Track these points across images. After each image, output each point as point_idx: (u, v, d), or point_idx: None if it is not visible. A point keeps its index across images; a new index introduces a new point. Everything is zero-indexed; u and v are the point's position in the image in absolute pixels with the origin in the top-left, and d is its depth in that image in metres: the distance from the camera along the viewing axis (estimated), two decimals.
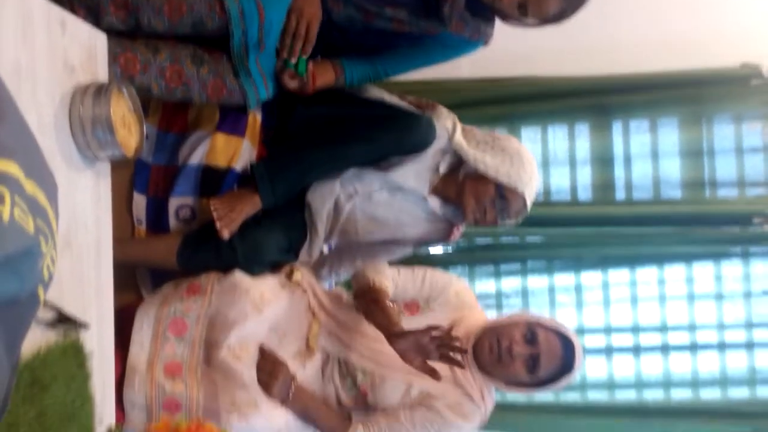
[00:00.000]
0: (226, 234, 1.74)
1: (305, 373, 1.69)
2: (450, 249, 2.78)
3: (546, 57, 2.67)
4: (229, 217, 1.74)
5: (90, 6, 1.55)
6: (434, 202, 1.95)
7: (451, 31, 1.82)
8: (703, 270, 2.68)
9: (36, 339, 0.99)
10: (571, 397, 2.67)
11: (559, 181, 2.74)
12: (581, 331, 2.71)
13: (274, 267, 1.88)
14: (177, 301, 1.68)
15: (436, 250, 2.76)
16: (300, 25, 1.69)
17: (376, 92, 1.97)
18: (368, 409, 1.74)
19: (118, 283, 1.25)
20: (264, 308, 1.67)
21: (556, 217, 2.68)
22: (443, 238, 2.08)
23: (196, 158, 1.85)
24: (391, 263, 1.93)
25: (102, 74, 1.20)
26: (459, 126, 1.91)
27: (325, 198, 1.92)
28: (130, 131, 1.19)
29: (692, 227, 2.60)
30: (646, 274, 2.71)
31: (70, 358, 1.05)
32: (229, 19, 1.65)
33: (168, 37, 1.67)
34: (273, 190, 1.79)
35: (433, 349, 1.53)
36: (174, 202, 1.88)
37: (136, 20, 1.60)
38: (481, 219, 1.91)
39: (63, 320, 1.04)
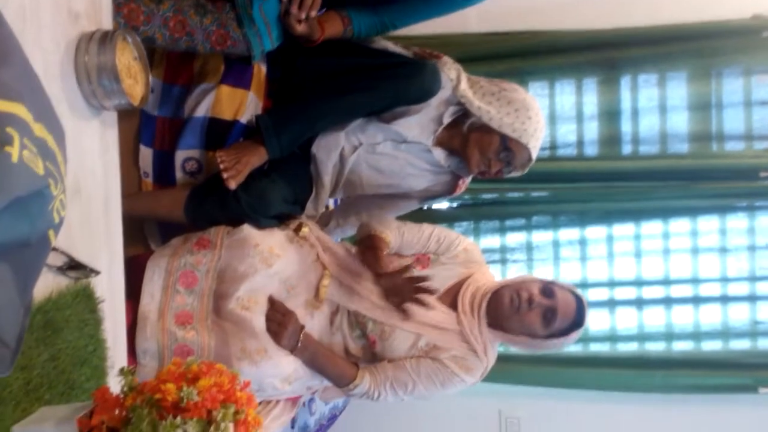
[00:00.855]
0: (232, 185, 1.74)
1: (313, 323, 1.71)
2: (455, 204, 2.78)
3: (554, 11, 2.64)
4: (236, 169, 1.75)
5: None
6: (439, 154, 1.94)
7: None
8: (708, 224, 2.69)
9: (48, 284, 1.01)
10: (574, 349, 2.71)
11: (566, 137, 2.73)
12: (585, 285, 2.74)
13: (281, 220, 1.90)
14: (187, 254, 1.69)
15: (442, 205, 2.76)
16: None
17: (381, 42, 1.95)
18: (375, 359, 1.77)
19: (126, 235, 1.26)
20: (273, 262, 1.69)
21: (561, 172, 2.68)
22: (448, 190, 2.08)
23: (202, 110, 1.84)
24: (399, 219, 1.95)
25: (106, 23, 1.20)
26: (464, 76, 1.89)
27: (330, 150, 1.92)
28: (135, 80, 1.19)
29: (698, 182, 2.60)
30: (651, 227, 2.72)
31: (82, 303, 1.07)
32: None
33: None
34: (278, 141, 1.79)
35: (408, 290, 1.67)
36: (180, 155, 1.88)
37: None
38: (486, 171, 1.91)
39: (74, 266, 1.06)
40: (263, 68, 1.91)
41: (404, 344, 1.73)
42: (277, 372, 1.63)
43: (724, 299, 2.70)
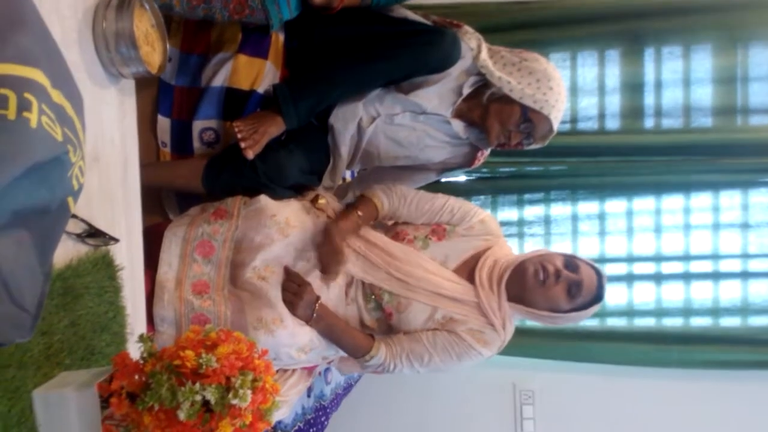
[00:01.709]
0: (250, 154, 1.74)
1: (329, 294, 1.72)
2: (473, 177, 2.76)
3: None
4: (253, 138, 1.74)
5: None
6: (458, 126, 1.92)
7: None
8: (730, 200, 2.65)
9: (68, 251, 1.02)
10: (590, 323, 2.69)
11: (587, 110, 2.68)
12: (603, 259, 2.72)
13: (298, 191, 1.90)
14: (204, 224, 1.70)
15: (459, 178, 2.75)
16: None
17: (400, 11, 1.91)
18: (390, 331, 1.77)
19: (144, 206, 1.27)
20: (290, 233, 1.69)
21: (582, 146, 2.64)
22: (467, 162, 2.07)
23: (219, 80, 1.83)
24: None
25: None
26: (485, 46, 1.86)
27: (348, 120, 1.91)
28: (153, 48, 1.18)
29: (721, 156, 2.55)
30: (672, 202, 2.69)
31: (101, 270, 1.08)
32: None
33: None
34: (296, 111, 1.78)
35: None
36: (198, 125, 1.88)
37: None
38: (506, 142, 1.89)
39: (93, 234, 1.07)
40: (281, 37, 1.89)
41: (421, 316, 1.72)
42: (292, 341, 1.64)
43: (744, 275, 2.67)
